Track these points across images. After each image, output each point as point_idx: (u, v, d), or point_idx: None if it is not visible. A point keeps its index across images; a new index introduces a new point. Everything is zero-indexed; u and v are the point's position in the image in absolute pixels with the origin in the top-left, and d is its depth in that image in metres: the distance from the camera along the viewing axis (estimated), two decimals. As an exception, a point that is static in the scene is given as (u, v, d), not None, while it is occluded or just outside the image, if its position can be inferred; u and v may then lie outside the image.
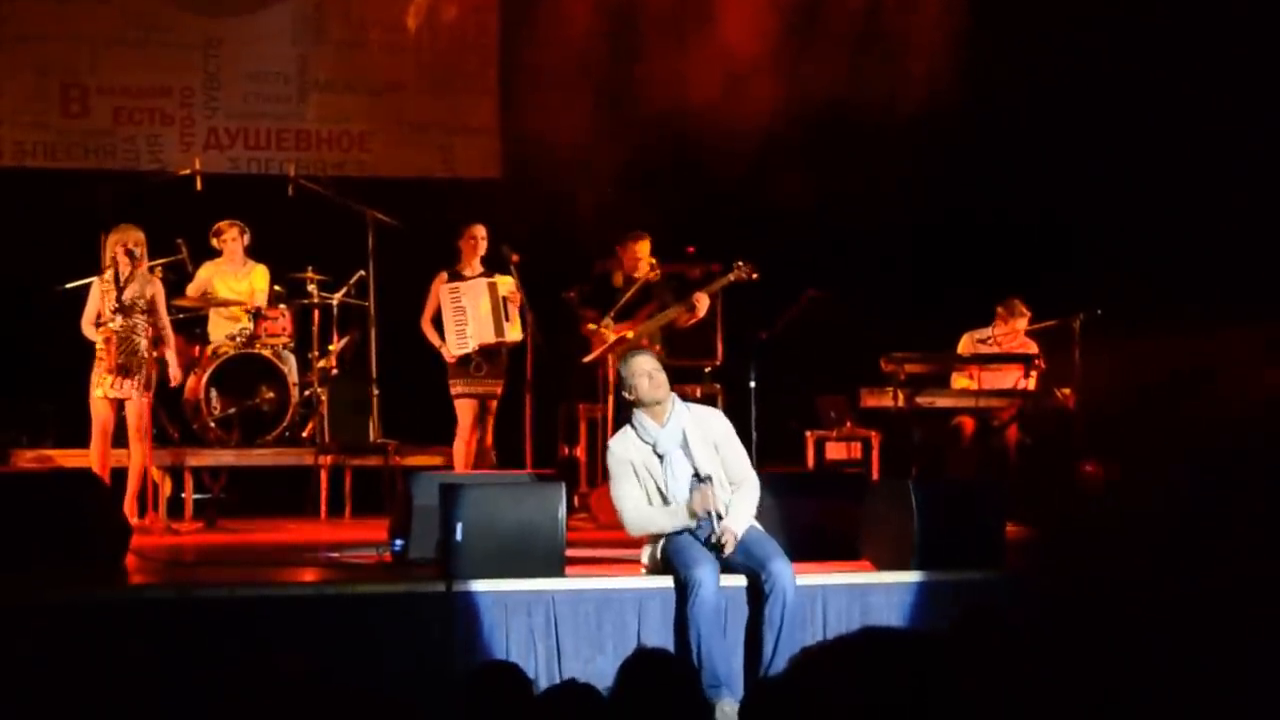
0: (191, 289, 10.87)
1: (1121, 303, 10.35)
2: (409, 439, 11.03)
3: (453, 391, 10.46)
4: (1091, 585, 7.25)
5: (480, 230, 10.58)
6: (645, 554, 6.98)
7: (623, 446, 6.94)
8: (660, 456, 6.87)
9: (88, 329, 9.52)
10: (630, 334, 10.50)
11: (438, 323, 10.52)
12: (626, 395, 6.98)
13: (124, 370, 9.41)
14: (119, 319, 9.40)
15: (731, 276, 10.40)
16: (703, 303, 10.39)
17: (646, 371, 6.89)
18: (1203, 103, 10.76)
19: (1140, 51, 11.01)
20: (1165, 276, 10.79)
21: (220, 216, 11.03)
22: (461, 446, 10.42)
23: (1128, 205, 11.13)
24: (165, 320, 9.69)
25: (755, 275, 10.37)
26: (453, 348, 10.42)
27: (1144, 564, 7.32)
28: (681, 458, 6.89)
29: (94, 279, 9.61)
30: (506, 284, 10.48)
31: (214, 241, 10.99)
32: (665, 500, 6.85)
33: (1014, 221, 11.57)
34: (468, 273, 10.58)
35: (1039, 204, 11.50)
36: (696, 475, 6.84)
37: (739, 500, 6.86)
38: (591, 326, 10.59)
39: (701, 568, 6.61)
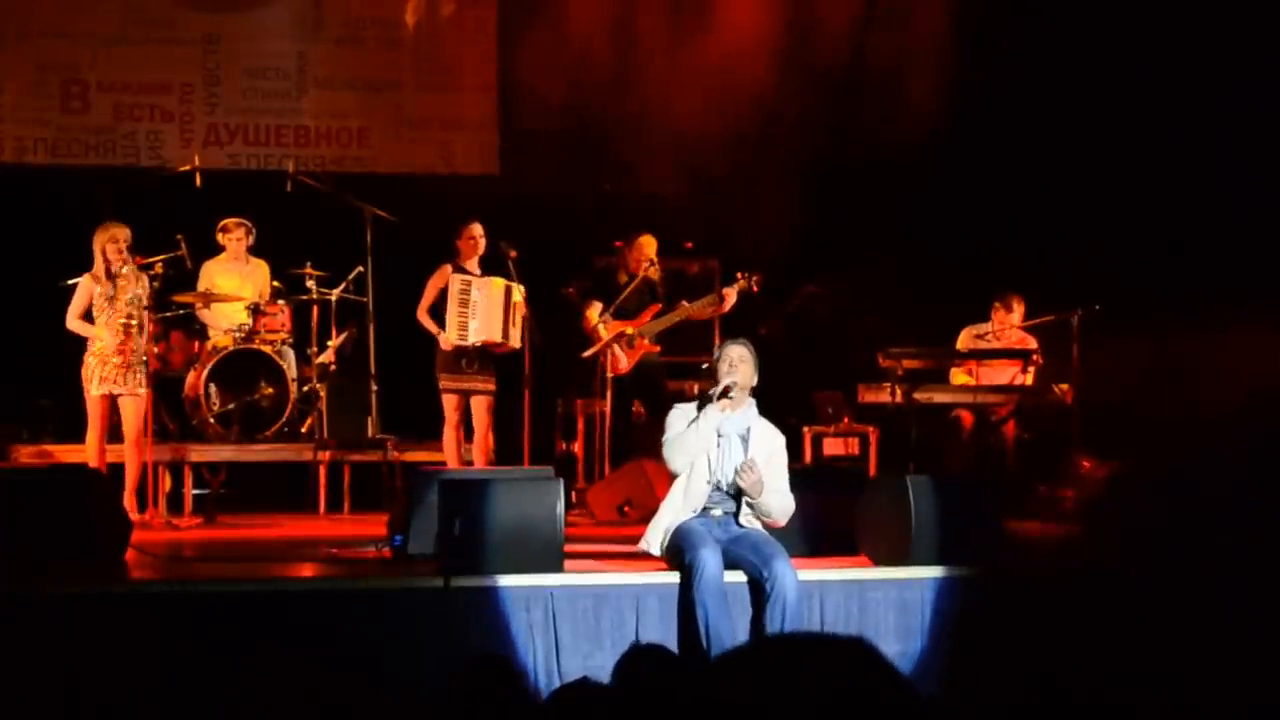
0: (201, 288, 10.88)
1: (1120, 298, 10.36)
2: (407, 434, 11.04)
3: (440, 385, 10.40)
4: (1090, 581, 7.26)
5: (478, 229, 10.53)
6: (652, 538, 6.99)
7: (689, 407, 7.13)
8: (720, 435, 6.99)
9: (73, 323, 9.54)
10: (631, 329, 10.53)
11: (435, 315, 10.47)
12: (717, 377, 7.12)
13: (123, 366, 9.44)
14: (116, 316, 9.43)
15: (736, 288, 10.50)
16: (730, 297, 10.49)
17: (731, 358, 7.06)
18: (1204, 96, 10.76)
19: (1139, 42, 11.02)
20: (1164, 272, 10.79)
21: (219, 212, 11.06)
22: (451, 440, 10.38)
23: (1128, 199, 11.13)
24: (150, 316, 9.71)
25: (756, 286, 10.46)
26: (452, 336, 10.28)
27: (1143, 559, 7.33)
28: (738, 445, 7.02)
29: (85, 275, 9.63)
30: (519, 292, 10.41)
31: (219, 237, 11.02)
32: (709, 468, 6.96)
33: (1014, 216, 11.58)
34: (471, 269, 10.56)
35: (1040, 198, 11.51)
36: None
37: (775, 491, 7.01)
38: (595, 322, 10.60)
39: (706, 549, 6.68)
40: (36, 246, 11.09)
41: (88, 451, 9.51)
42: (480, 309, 10.33)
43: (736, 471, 6.91)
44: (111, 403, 9.52)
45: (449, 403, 10.40)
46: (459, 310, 10.33)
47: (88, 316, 9.56)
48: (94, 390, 9.46)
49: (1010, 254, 11.19)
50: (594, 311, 10.64)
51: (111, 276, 9.50)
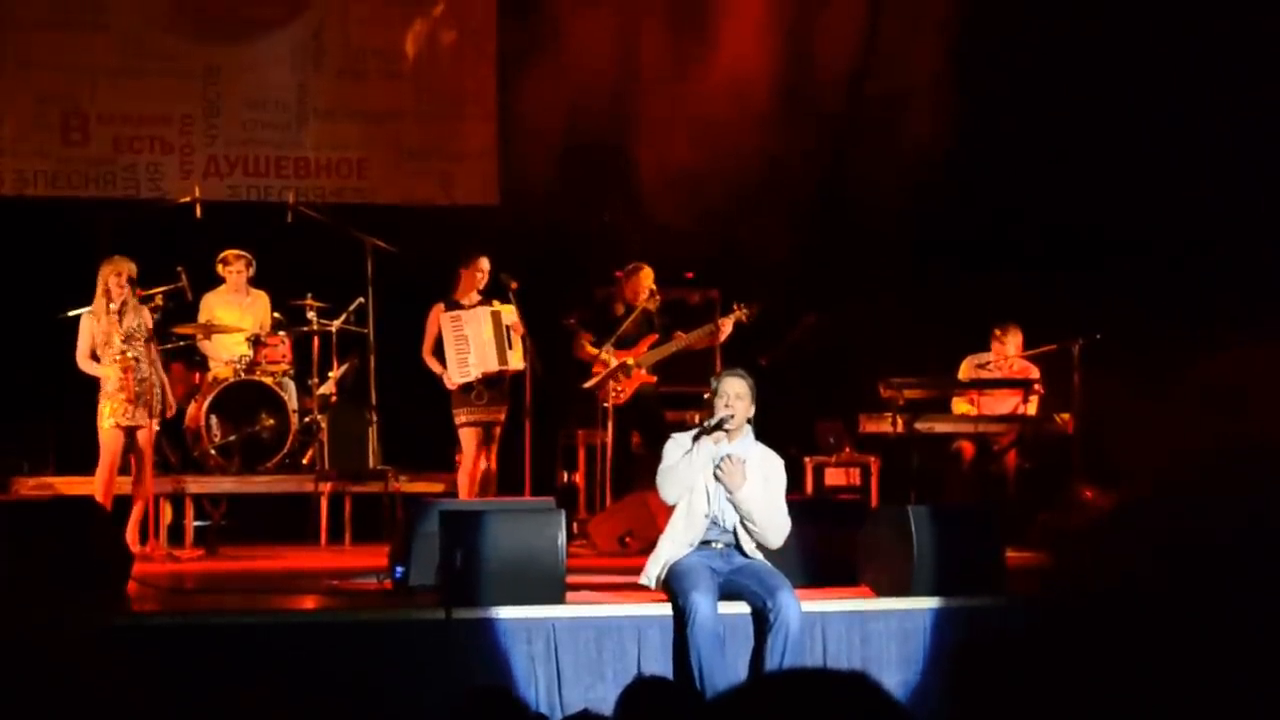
0: (202, 319, 10.89)
1: (1122, 327, 10.35)
2: (408, 465, 11.03)
3: (457, 420, 10.42)
4: (1095, 610, 7.24)
5: (486, 263, 10.46)
6: (651, 572, 6.97)
7: (686, 437, 7.05)
8: (717, 466, 6.94)
9: (84, 363, 9.53)
10: (631, 360, 10.53)
11: (438, 353, 10.50)
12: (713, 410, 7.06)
13: (138, 399, 9.43)
14: (127, 349, 9.42)
15: (732, 318, 10.54)
16: (725, 328, 10.51)
17: (728, 394, 6.96)
18: (1203, 123, 10.77)
19: (1135, 74, 11.04)
20: (1165, 300, 10.78)
21: (220, 244, 11.06)
22: (465, 475, 10.39)
23: (1127, 227, 11.12)
24: (155, 347, 9.73)
25: (751, 317, 10.51)
26: (455, 376, 10.36)
27: (1148, 588, 7.30)
28: None
29: (83, 311, 9.63)
30: (509, 312, 10.45)
31: (219, 268, 11.02)
32: (708, 502, 6.90)
33: (1014, 245, 11.58)
34: (466, 302, 10.55)
35: (1040, 227, 11.50)
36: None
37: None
38: (592, 351, 10.61)
39: (699, 592, 6.64)
40: (37, 278, 11.09)
41: (96, 485, 9.47)
42: (473, 341, 10.38)
43: (717, 465, 6.85)
44: (125, 436, 9.51)
45: (468, 436, 10.38)
46: (456, 349, 10.38)
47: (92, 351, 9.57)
48: (106, 424, 9.45)
49: (1011, 283, 11.18)
50: (585, 342, 10.67)
51: (112, 310, 9.49)
